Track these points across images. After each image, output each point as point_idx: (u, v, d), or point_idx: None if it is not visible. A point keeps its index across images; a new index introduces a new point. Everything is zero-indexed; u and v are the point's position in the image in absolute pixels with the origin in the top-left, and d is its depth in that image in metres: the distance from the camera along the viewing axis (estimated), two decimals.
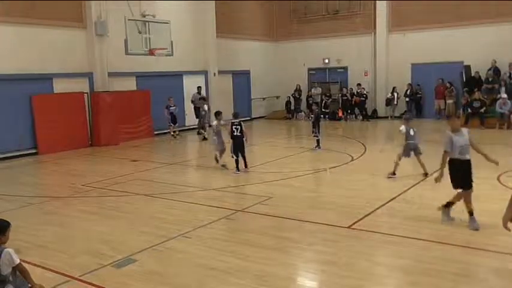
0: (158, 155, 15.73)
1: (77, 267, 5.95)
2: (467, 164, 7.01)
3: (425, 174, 10.17)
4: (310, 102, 23.93)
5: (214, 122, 11.98)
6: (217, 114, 12.12)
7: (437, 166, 11.22)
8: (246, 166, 11.51)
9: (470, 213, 6.98)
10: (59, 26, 16.09)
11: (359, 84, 23.14)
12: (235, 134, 11.33)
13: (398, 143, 10.78)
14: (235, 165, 11.49)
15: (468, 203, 7.01)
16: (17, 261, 4.44)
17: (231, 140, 11.49)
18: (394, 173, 10.41)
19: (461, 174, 6.94)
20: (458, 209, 7.34)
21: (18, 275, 4.57)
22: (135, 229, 7.51)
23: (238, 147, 11.40)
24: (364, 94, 22.92)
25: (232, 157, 11.52)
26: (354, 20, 23.92)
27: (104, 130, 17.01)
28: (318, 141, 14.45)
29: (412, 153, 10.39)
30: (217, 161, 12.01)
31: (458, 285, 5.21)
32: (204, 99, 18.49)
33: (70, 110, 16.30)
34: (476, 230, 6.76)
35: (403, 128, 10.37)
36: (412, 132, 10.37)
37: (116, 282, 5.53)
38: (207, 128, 17.84)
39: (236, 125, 11.37)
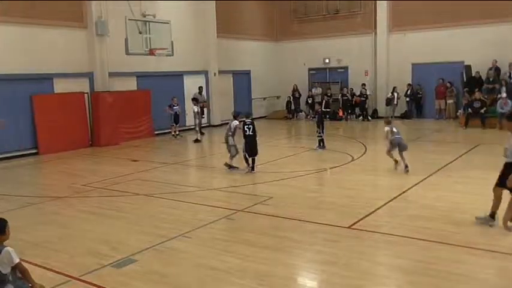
0: (158, 155, 15.73)
1: (77, 267, 5.96)
2: (505, 165, 6.90)
3: (406, 166, 10.75)
4: (310, 102, 23.97)
5: (236, 122, 11.71)
6: (238, 114, 12.01)
7: (438, 165, 11.31)
8: (252, 168, 11.35)
9: (492, 214, 6.94)
10: (59, 25, 16.10)
11: (364, 84, 23.10)
12: (247, 133, 11.27)
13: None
14: (245, 164, 11.39)
15: (494, 203, 6.93)
16: (17, 260, 4.43)
17: (243, 140, 11.41)
18: (397, 161, 11.03)
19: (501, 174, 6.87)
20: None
21: (19, 275, 4.56)
22: (135, 229, 7.51)
23: (251, 147, 11.30)
24: (365, 94, 22.89)
25: (245, 156, 11.40)
26: (354, 20, 23.92)
27: (104, 130, 17.02)
28: (320, 141, 14.41)
29: (397, 148, 11.05)
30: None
31: (458, 285, 5.21)
32: (196, 100, 18.28)
33: (70, 110, 16.31)
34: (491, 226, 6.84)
35: (386, 128, 11.22)
36: (395, 129, 11.09)
37: (116, 282, 5.53)
38: (197, 129, 17.79)
39: (248, 124, 11.32)
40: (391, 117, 22.30)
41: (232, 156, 11.74)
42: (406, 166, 10.69)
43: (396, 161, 11.06)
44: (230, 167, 11.67)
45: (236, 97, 24.10)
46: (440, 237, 6.52)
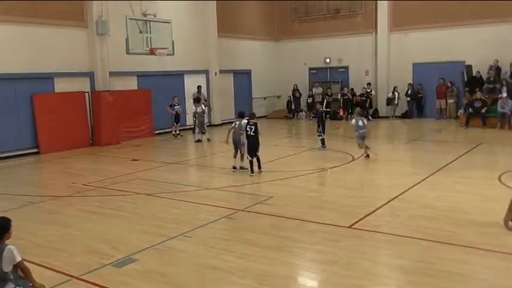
0: (159, 155, 15.73)
1: (77, 267, 5.96)
2: None
3: (367, 156, 12.61)
4: (310, 101, 23.98)
5: (245, 121, 11.52)
6: (244, 113, 11.99)
7: (439, 165, 11.31)
8: (259, 167, 11.23)
9: None
10: (60, 25, 16.10)
11: (369, 84, 23.04)
12: (248, 133, 11.18)
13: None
14: (249, 167, 11.19)
15: None
16: (19, 258, 4.44)
17: (245, 140, 11.29)
18: (368, 155, 12.56)
19: None
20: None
21: (20, 274, 4.56)
22: (135, 228, 7.51)
23: (252, 147, 11.19)
24: (365, 94, 22.85)
25: (247, 158, 11.27)
26: (355, 20, 23.92)
27: (105, 129, 17.02)
28: (322, 140, 14.37)
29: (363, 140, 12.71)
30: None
31: (459, 285, 5.20)
32: (197, 100, 18.19)
33: (71, 110, 16.31)
34: None
35: (353, 121, 12.94)
36: (361, 123, 12.59)
37: (117, 281, 5.53)
38: (197, 131, 17.75)
39: (251, 124, 11.22)
40: (392, 116, 22.46)
41: (242, 155, 11.59)
42: (368, 155, 12.49)
43: (368, 155, 12.52)
44: (241, 168, 11.50)
45: (236, 97, 24.10)
46: (440, 237, 6.51)
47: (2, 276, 4.41)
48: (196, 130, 17.85)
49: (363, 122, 12.60)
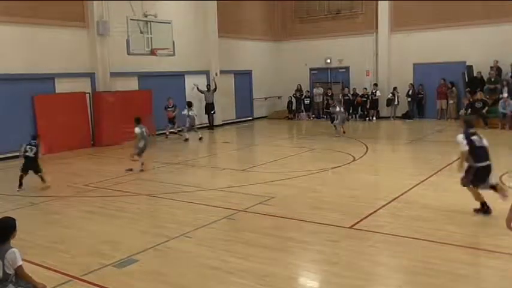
0: (160, 155, 15.72)
1: (78, 267, 5.97)
2: None
3: (344, 132, 17.00)
4: (307, 102, 23.99)
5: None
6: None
7: (439, 165, 11.30)
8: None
9: None
10: (61, 25, 16.12)
11: (375, 85, 22.97)
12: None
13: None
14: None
15: None
16: (19, 263, 4.39)
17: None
18: (344, 132, 16.92)
19: None
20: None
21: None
22: (136, 229, 7.52)
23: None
24: (366, 95, 22.82)
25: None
26: (355, 20, 23.89)
27: (106, 130, 17.03)
28: (335, 126, 17.32)
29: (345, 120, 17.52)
30: None
31: (459, 285, 5.21)
32: (189, 105, 18.06)
33: (72, 110, 16.32)
34: None
35: (331, 108, 17.87)
36: (337, 109, 17.41)
37: (118, 282, 5.54)
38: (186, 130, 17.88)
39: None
40: (392, 117, 22.43)
41: None
42: (344, 132, 16.80)
43: (344, 132, 17.13)
44: None
45: (237, 97, 24.10)
46: (441, 238, 6.51)
47: (4, 277, 4.40)
48: (185, 130, 17.87)
49: (339, 107, 17.52)
